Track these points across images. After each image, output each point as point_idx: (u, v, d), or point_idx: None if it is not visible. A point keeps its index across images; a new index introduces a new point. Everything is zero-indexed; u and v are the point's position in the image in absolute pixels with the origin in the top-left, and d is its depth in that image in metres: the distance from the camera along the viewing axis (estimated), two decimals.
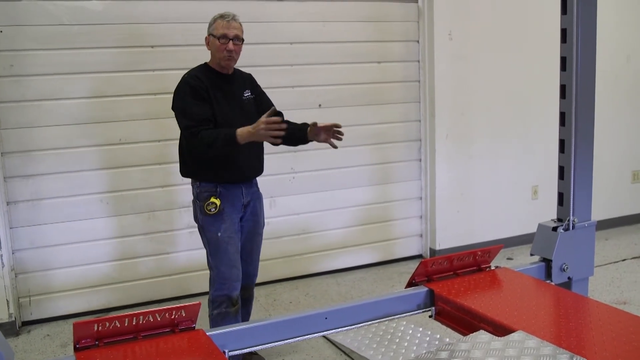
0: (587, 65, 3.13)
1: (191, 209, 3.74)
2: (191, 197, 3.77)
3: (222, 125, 3.52)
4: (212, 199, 3.57)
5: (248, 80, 3.87)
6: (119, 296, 5.03)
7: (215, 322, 3.62)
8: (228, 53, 3.59)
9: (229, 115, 3.60)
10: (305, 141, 3.75)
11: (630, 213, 6.94)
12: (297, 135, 3.73)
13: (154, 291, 5.12)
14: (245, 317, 3.96)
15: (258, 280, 5.43)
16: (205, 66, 3.72)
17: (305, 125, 3.73)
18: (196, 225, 3.76)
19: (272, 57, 5.25)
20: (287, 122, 3.57)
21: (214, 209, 3.57)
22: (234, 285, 3.67)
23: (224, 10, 3.67)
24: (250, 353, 3.82)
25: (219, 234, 3.60)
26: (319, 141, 3.69)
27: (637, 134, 6.83)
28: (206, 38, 3.68)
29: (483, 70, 5.90)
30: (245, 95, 3.77)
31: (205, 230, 3.65)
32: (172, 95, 3.65)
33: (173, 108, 3.66)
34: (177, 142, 5.21)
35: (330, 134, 3.65)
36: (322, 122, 3.66)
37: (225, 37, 3.57)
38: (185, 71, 3.69)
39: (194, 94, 3.54)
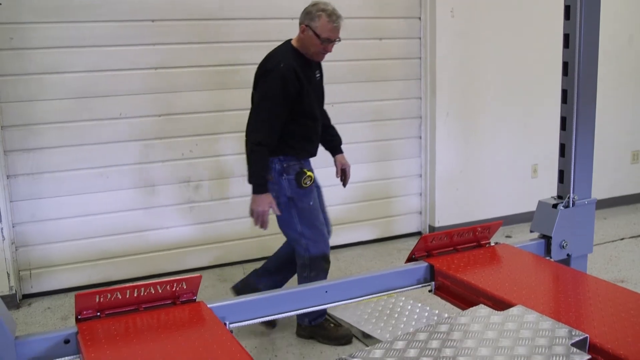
0: (590, 43, 3.12)
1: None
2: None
3: (304, 112, 3.70)
4: (308, 173, 3.74)
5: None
6: (119, 270, 5.05)
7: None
8: (325, 52, 3.71)
9: (310, 101, 3.72)
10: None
11: (629, 193, 6.95)
12: (325, 146, 4.18)
13: (153, 265, 5.14)
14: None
15: (257, 255, 5.49)
16: (295, 51, 3.73)
17: (336, 150, 4.18)
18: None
19: (274, 32, 5.20)
20: (330, 132, 4.14)
21: (309, 182, 3.74)
22: (327, 242, 3.90)
23: (325, 4, 3.64)
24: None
25: (311, 203, 3.80)
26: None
27: (637, 114, 6.83)
28: (303, 27, 3.66)
29: (485, 48, 5.88)
30: (317, 76, 3.87)
31: (297, 202, 3.78)
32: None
33: (257, 90, 3.75)
34: (180, 116, 5.22)
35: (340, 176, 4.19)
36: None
37: (329, 40, 3.64)
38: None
39: (284, 94, 3.60)
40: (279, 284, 4.15)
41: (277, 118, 3.63)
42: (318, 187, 4.05)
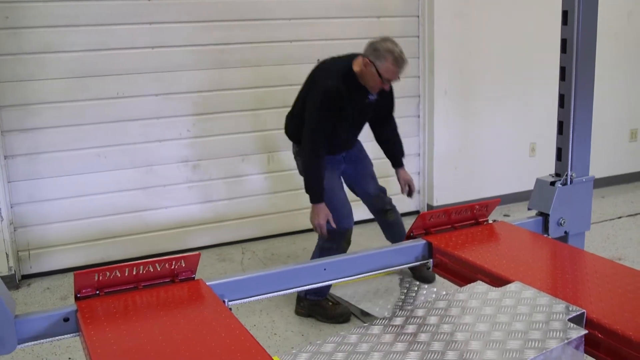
0: (589, 20, 3.10)
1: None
2: None
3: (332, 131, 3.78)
4: None
5: None
6: (117, 250, 5.06)
7: (321, 255, 3.89)
8: (381, 87, 3.75)
9: (344, 122, 3.82)
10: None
11: (627, 171, 6.96)
12: (389, 157, 4.37)
13: (152, 245, 5.15)
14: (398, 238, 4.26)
15: (256, 235, 5.50)
16: (351, 74, 3.75)
17: (396, 163, 4.34)
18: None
19: (271, 10, 5.19)
20: (391, 146, 4.36)
21: None
22: (348, 219, 3.97)
23: (393, 45, 3.65)
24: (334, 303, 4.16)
25: (324, 182, 3.86)
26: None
27: (636, 92, 6.81)
28: (366, 61, 3.66)
29: (483, 26, 5.85)
30: (370, 98, 3.91)
31: None
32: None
33: (306, 97, 3.83)
34: (177, 95, 5.20)
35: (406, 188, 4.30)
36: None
37: (389, 81, 3.71)
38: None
39: (326, 109, 3.69)
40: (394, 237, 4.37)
41: (323, 129, 3.76)
42: (357, 161, 4.22)
